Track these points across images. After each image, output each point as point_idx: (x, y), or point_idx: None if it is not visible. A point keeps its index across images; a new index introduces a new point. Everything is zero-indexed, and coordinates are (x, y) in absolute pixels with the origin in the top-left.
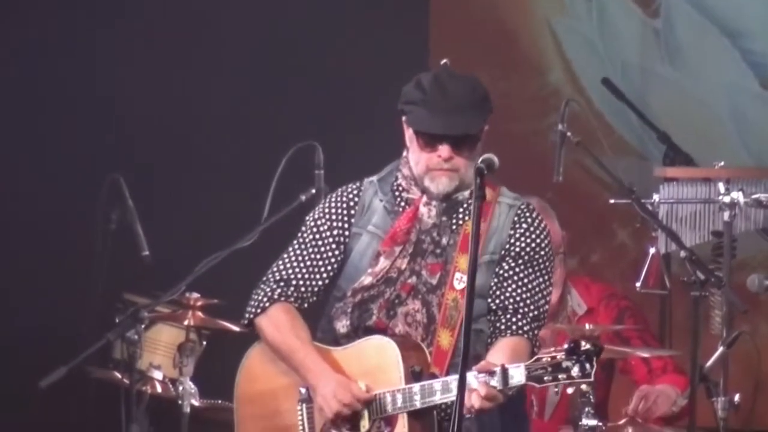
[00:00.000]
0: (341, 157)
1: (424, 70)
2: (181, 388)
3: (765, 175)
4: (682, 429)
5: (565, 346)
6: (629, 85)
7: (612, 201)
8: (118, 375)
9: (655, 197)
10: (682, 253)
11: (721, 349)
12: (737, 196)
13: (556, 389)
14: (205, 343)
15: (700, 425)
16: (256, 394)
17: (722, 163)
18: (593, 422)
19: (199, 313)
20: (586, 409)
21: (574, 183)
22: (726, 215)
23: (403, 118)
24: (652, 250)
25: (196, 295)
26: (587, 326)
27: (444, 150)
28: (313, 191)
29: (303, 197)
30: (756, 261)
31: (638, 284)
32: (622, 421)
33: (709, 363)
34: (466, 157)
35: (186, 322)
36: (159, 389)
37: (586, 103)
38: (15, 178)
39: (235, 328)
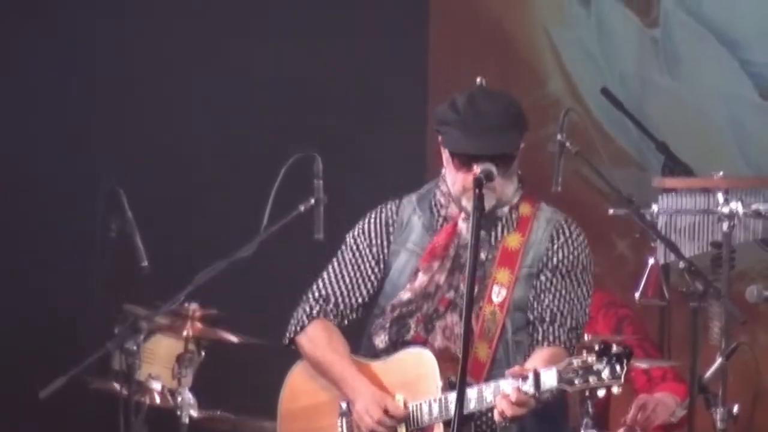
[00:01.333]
0: (341, 167)
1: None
2: (179, 398)
3: (764, 185)
4: None
5: (596, 348)
6: (628, 95)
7: (611, 211)
8: (117, 386)
9: (654, 207)
10: (681, 264)
11: (719, 359)
12: (736, 206)
13: (587, 393)
14: (203, 353)
15: None
16: (299, 411)
17: (721, 174)
18: None
19: (198, 324)
20: (585, 420)
21: (573, 193)
22: (725, 226)
23: (439, 139)
24: (651, 261)
25: (195, 305)
26: (586, 337)
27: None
28: (312, 201)
29: (302, 207)
30: (755, 272)
31: (637, 295)
32: (620, 431)
33: (708, 374)
34: (503, 175)
35: (185, 333)
36: (157, 400)
37: (585, 112)
38: (12, 187)
39: (234, 339)
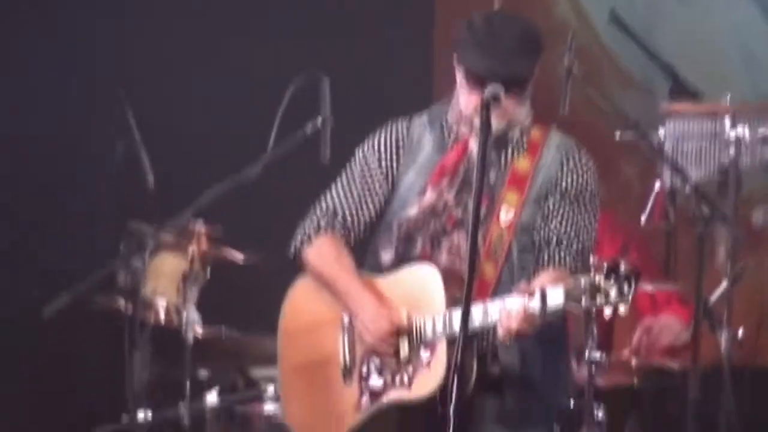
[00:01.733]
0: (348, 87)
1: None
2: (184, 316)
3: None
4: (684, 363)
5: (605, 266)
6: (636, 19)
7: (618, 135)
8: (122, 303)
9: (661, 132)
10: (688, 189)
11: (725, 283)
12: (743, 131)
13: (594, 313)
14: (209, 271)
15: (704, 360)
16: (300, 328)
17: (728, 98)
18: (596, 355)
19: (204, 242)
20: (590, 342)
21: (579, 117)
22: (732, 151)
23: (455, 56)
24: (657, 186)
25: (200, 223)
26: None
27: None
28: (319, 123)
29: (308, 128)
30: (761, 196)
31: (643, 219)
32: (625, 353)
33: (713, 298)
34: (514, 98)
35: (190, 251)
36: (162, 317)
37: (592, 36)
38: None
39: (239, 258)
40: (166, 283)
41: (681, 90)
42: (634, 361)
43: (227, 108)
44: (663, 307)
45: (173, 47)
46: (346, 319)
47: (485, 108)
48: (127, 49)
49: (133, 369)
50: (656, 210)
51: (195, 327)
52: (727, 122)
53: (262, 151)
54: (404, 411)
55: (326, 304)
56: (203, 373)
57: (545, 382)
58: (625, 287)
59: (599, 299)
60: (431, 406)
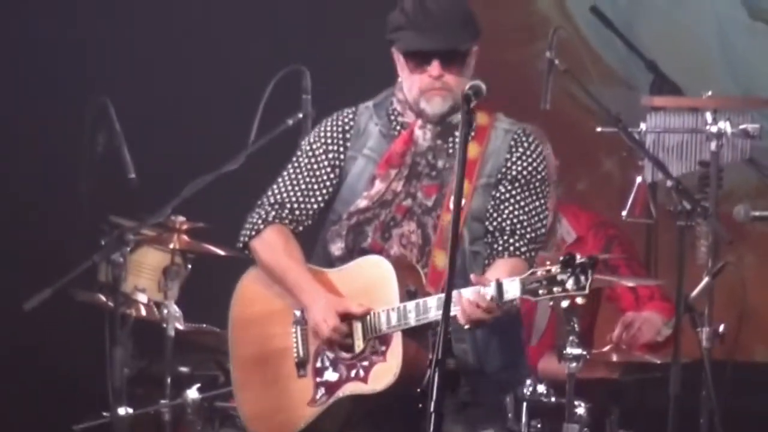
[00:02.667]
0: (329, 81)
1: None
2: (165, 311)
3: (752, 105)
4: (666, 358)
5: (560, 258)
6: (618, 14)
7: (599, 129)
8: (103, 298)
9: (642, 126)
10: (669, 183)
11: (706, 279)
12: (724, 126)
13: (551, 303)
14: (190, 266)
15: (685, 355)
16: (251, 318)
17: (710, 93)
18: (577, 351)
19: (185, 237)
20: (570, 338)
21: (561, 111)
22: (713, 145)
23: (393, 47)
24: (638, 180)
25: (181, 218)
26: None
27: (434, 68)
28: (301, 116)
29: (290, 122)
30: (742, 191)
31: (624, 213)
32: (606, 348)
33: (695, 293)
34: (456, 74)
35: (171, 246)
36: (143, 312)
37: (574, 30)
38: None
39: (221, 252)
40: (147, 278)
41: (662, 84)
42: (615, 356)
43: (208, 102)
44: (645, 302)
45: (153, 40)
46: (297, 313)
47: (466, 102)
48: (107, 42)
49: (113, 364)
50: (637, 204)
51: (176, 322)
52: (709, 117)
53: (243, 145)
54: (359, 403)
55: (278, 296)
56: (184, 369)
57: (498, 368)
58: (582, 278)
59: (556, 290)
60: (388, 400)
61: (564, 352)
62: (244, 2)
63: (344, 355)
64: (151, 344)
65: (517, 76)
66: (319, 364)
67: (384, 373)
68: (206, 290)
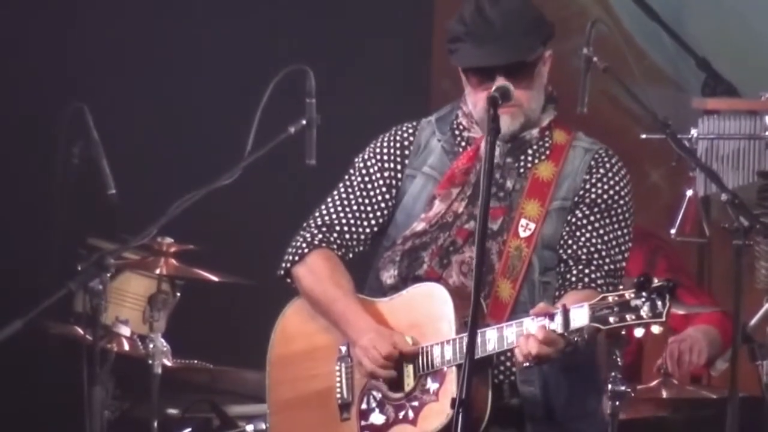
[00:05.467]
0: (335, 83)
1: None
2: (151, 345)
3: None
4: (721, 392)
5: (634, 281)
6: (664, 4)
7: (644, 136)
8: (80, 330)
9: (693, 132)
10: (723, 196)
11: (767, 305)
12: None
13: (623, 332)
14: (179, 294)
15: (743, 391)
16: (292, 356)
17: None
18: (620, 388)
19: (173, 261)
20: (613, 373)
21: (600, 115)
22: None
23: (450, 56)
24: (689, 193)
25: (169, 240)
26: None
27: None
28: (304, 122)
29: (292, 129)
30: None
31: (673, 231)
32: (654, 383)
33: (754, 321)
34: (525, 87)
35: (158, 271)
36: (126, 347)
37: (614, 24)
38: None
39: (213, 278)
40: (131, 307)
41: (715, 84)
42: (664, 392)
43: (199, 108)
44: (694, 317)
45: (136, 38)
46: (343, 349)
47: (492, 105)
48: (84, 39)
49: (92, 405)
50: (687, 221)
51: (163, 358)
52: None
53: (239, 157)
54: None
55: (322, 331)
56: (173, 411)
57: (571, 416)
58: (659, 303)
59: (629, 318)
60: None
61: (606, 389)
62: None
63: (393, 394)
64: (135, 383)
65: (550, 75)
66: (364, 406)
67: (436, 415)
68: (197, 321)
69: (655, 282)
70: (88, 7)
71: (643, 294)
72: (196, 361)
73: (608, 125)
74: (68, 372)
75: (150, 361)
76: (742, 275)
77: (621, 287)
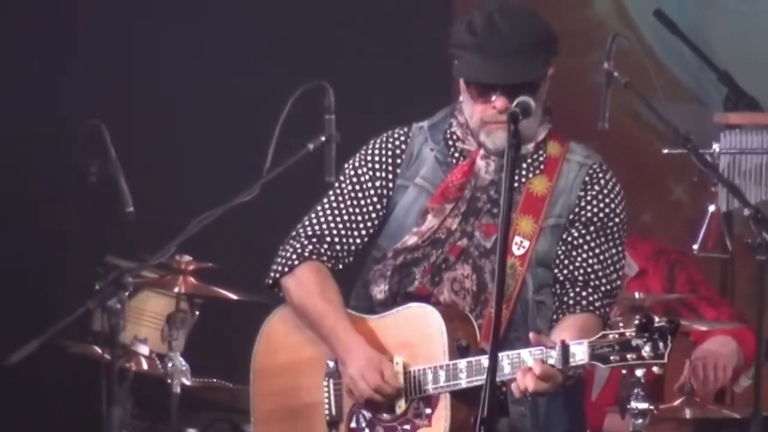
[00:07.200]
0: (355, 99)
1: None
2: (170, 364)
3: None
4: (744, 411)
5: (636, 321)
6: (686, 18)
7: (665, 151)
8: (98, 350)
9: (715, 147)
10: (746, 211)
11: None
12: None
13: (624, 371)
14: (197, 313)
15: (766, 410)
16: (276, 367)
17: None
18: (643, 405)
19: (192, 279)
20: (636, 390)
21: (622, 131)
22: None
23: (454, 62)
24: (711, 208)
25: (187, 258)
26: (636, 295)
27: (499, 101)
28: (323, 139)
29: (311, 146)
30: None
31: (696, 247)
32: (677, 402)
33: None
34: None
35: (176, 289)
36: (145, 366)
37: (635, 38)
38: None
39: (233, 296)
40: (149, 326)
41: (738, 99)
42: (687, 412)
43: (218, 124)
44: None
45: (153, 54)
46: (331, 363)
47: (512, 121)
48: (101, 55)
49: (111, 425)
50: (710, 236)
51: (182, 377)
52: None
53: (258, 174)
54: None
55: (308, 342)
56: (192, 431)
57: None
58: (661, 344)
59: (630, 357)
60: None
61: (628, 406)
62: (258, 9)
63: (383, 416)
64: (154, 403)
65: (570, 90)
66: (353, 425)
67: None
68: (216, 340)
69: (657, 323)
70: (107, 25)
71: (645, 334)
72: (215, 380)
73: (630, 140)
74: (87, 392)
75: (169, 381)
76: (766, 291)
77: (616, 306)
